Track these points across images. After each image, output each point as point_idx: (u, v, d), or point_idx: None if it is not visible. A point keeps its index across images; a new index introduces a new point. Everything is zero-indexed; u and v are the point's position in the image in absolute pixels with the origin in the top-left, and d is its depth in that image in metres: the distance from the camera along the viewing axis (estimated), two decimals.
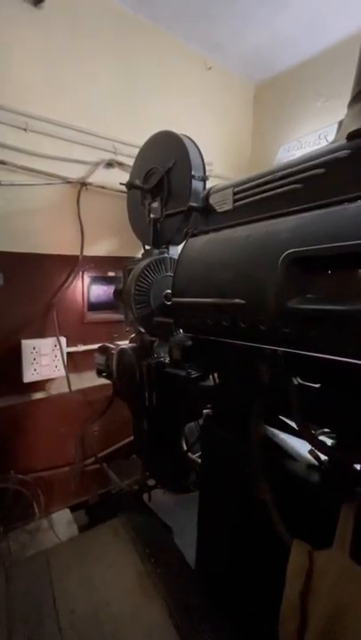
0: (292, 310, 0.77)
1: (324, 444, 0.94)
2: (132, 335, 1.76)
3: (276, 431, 1.21)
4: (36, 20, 1.74)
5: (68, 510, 2.08)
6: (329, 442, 0.98)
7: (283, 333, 0.80)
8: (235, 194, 1.10)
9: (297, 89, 2.45)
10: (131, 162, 2.03)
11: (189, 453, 1.58)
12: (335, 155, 0.86)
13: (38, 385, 1.97)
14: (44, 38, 1.77)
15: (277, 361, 0.89)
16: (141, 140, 1.90)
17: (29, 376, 1.88)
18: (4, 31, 1.65)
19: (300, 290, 0.77)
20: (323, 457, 0.96)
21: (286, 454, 1.10)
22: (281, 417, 1.19)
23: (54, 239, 1.94)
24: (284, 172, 0.98)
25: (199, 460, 1.56)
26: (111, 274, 2.18)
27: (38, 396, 1.98)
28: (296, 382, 0.91)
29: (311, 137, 2.24)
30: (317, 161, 0.92)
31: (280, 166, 1.02)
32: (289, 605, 0.87)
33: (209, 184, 1.50)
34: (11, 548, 1.69)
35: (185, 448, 1.60)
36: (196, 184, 1.50)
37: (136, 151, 1.96)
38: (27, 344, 1.87)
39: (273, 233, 0.88)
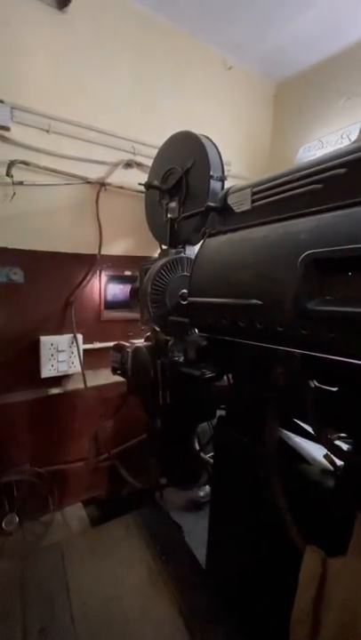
0: (310, 312, 0.76)
1: (340, 448, 0.92)
2: (148, 334, 1.78)
3: (290, 434, 1.19)
4: (61, 24, 1.78)
5: (80, 504, 2.12)
6: (345, 447, 0.96)
7: (300, 335, 0.80)
8: (253, 194, 1.10)
9: (318, 88, 2.40)
10: (149, 162, 2.05)
11: (202, 453, 1.58)
12: (358, 154, 0.85)
13: (55, 380, 2.02)
14: (68, 41, 1.81)
15: (294, 363, 0.88)
16: (160, 141, 1.91)
17: (47, 371, 1.93)
18: (31, 35, 1.70)
19: (319, 291, 0.77)
20: (338, 462, 0.94)
21: (301, 458, 1.09)
22: (295, 420, 1.18)
23: (73, 238, 1.98)
24: (305, 171, 0.97)
25: (211, 461, 1.56)
26: (128, 273, 2.21)
27: (55, 391, 2.03)
28: (313, 385, 0.89)
29: (333, 136, 2.20)
30: (339, 160, 0.90)
31: (300, 166, 1.01)
32: (301, 611, 0.86)
33: (227, 184, 1.50)
34: (26, 538, 1.74)
35: (197, 448, 1.60)
36: (215, 184, 1.50)
37: (155, 152, 1.98)
38: (45, 340, 1.92)
39: (292, 233, 0.87)
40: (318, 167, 0.94)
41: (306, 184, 0.95)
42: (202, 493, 2.00)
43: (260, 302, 0.87)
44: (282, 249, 0.86)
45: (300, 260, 0.78)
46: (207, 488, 2.02)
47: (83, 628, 1.03)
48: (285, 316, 0.81)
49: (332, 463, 0.95)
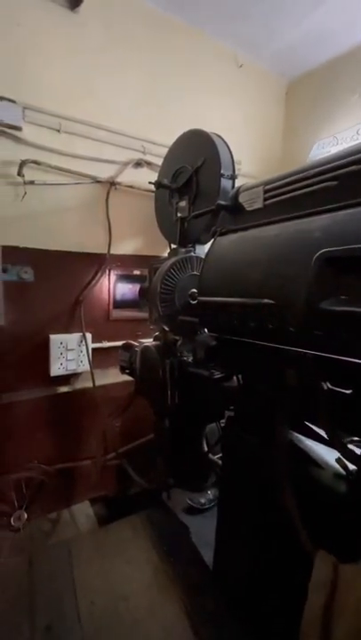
0: (324, 312, 0.74)
1: (353, 452, 0.90)
2: (156, 333, 1.78)
3: (300, 437, 1.17)
4: (72, 24, 1.79)
5: (88, 502, 2.12)
6: (358, 451, 0.93)
7: (313, 335, 0.78)
8: (265, 192, 1.08)
9: (331, 85, 2.36)
10: (159, 161, 2.05)
11: (210, 454, 1.57)
12: None
13: (64, 379, 2.03)
14: (79, 41, 1.82)
15: (306, 364, 0.86)
16: (170, 140, 1.90)
17: (56, 370, 1.94)
18: (43, 36, 1.71)
19: (333, 291, 0.74)
20: (351, 467, 0.92)
21: (312, 461, 1.07)
22: (306, 422, 1.16)
23: (83, 237, 1.99)
24: (319, 169, 0.95)
25: (220, 462, 1.54)
26: (137, 272, 2.21)
27: (63, 389, 2.04)
28: (326, 387, 0.87)
29: (348, 132, 2.15)
30: (354, 157, 0.88)
31: (314, 163, 0.99)
32: (311, 618, 0.84)
33: (237, 183, 1.48)
34: (34, 535, 1.75)
35: (206, 449, 1.59)
36: (225, 183, 1.49)
37: (165, 150, 1.97)
38: (55, 339, 1.93)
39: (305, 232, 0.85)
40: (333, 164, 0.91)
41: (320, 181, 0.93)
42: (203, 500, 1.99)
43: (271, 302, 0.86)
44: (295, 247, 0.85)
45: (314, 258, 0.76)
46: (210, 494, 2.01)
47: (89, 627, 1.03)
48: (298, 316, 0.80)
49: (345, 467, 0.93)
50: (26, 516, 1.82)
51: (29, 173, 1.73)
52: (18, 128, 1.69)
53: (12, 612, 1.26)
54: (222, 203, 1.23)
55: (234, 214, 1.21)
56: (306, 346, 0.83)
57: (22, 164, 1.69)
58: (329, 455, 1.10)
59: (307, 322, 0.78)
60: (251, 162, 2.53)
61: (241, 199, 1.18)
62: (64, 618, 1.06)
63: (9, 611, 1.27)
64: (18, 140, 1.71)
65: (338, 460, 0.95)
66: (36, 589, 1.18)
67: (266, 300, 0.87)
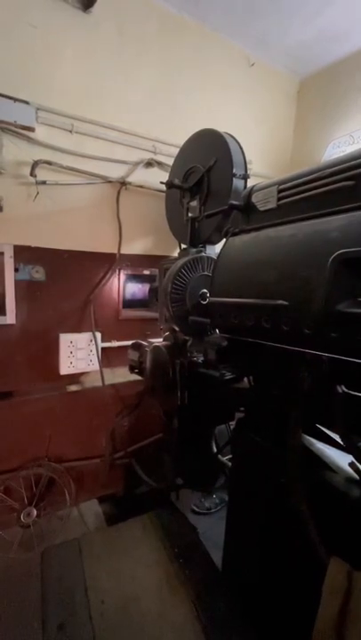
0: (341, 314, 0.73)
1: None
2: (166, 333, 1.77)
3: (312, 440, 1.15)
4: (85, 25, 1.80)
5: (96, 501, 2.14)
6: None
7: (329, 338, 0.76)
8: (279, 192, 1.06)
9: (345, 83, 2.33)
10: (169, 161, 2.04)
11: (219, 455, 1.56)
12: None
13: (73, 378, 2.04)
14: (92, 42, 1.83)
15: (321, 367, 0.85)
16: (181, 140, 1.90)
17: (65, 369, 1.96)
18: (56, 36, 1.73)
19: (350, 292, 0.73)
20: None
21: (324, 465, 1.05)
22: (318, 425, 1.14)
23: (94, 237, 2.00)
24: (335, 168, 0.94)
25: (229, 463, 1.53)
26: (146, 272, 2.21)
27: (73, 388, 2.05)
28: (340, 390, 0.86)
29: None
30: None
31: (329, 163, 0.97)
32: (324, 624, 0.83)
33: (249, 183, 1.47)
34: (43, 531, 1.77)
35: (215, 450, 1.58)
36: (237, 182, 1.48)
37: (175, 150, 1.97)
38: (64, 338, 1.94)
39: (321, 232, 0.84)
40: (350, 163, 0.90)
41: (336, 181, 0.92)
42: (208, 504, 1.98)
43: (286, 303, 0.84)
44: (311, 248, 0.83)
45: (330, 259, 0.74)
46: (215, 498, 2.00)
47: (101, 627, 1.03)
48: (314, 317, 0.78)
49: (358, 472, 0.91)
50: (35, 512, 1.84)
51: (41, 174, 1.75)
52: (31, 129, 1.70)
53: (25, 609, 1.28)
54: (235, 203, 1.21)
55: (247, 214, 1.20)
56: (321, 348, 0.81)
57: (35, 164, 1.71)
58: (341, 459, 1.08)
59: (323, 324, 0.77)
60: (262, 162, 2.51)
61: (254, 199, 1.16)
62: (76, 616, 1.07)
63: (21, 607, 1.28)
64: (31, 140, 1.73)
65: (351, 464, 0.94)
66: (47, 587, 1.19)
67: (280, 302, 0.86)
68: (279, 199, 1.07)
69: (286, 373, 0.98)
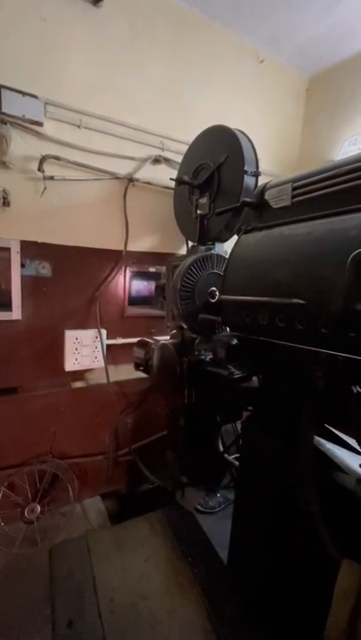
0: (359, 313, 0.72)
1: None
2: (173, 331, 1.76)
3: (322, 440, 1.15)
4: (95, 20, 1.78)
5: (99, 497, 2.13)
6: None
7: (347, 337, 0.75)
8: (294, 189, 1.05)
9: (355, 80, 2.31)
10: (177, 158, 2.03)
11: (226, 454, 1.55)
12: None
13: (78, 374, 2.04)
14: (101, 37, 1.81)
15: (336, 367, 0.84)
16: (189, 137, 1.88)
17: (70, 365, 1.95)
18: (65, 31, 1.71)
19: None
20: None
21: (335, 466, 1.05)
22: (327, 425, 1.13)
23: (100, 234, 1.99)
24: (352, 165, 0.92)
25: (235, 462, 1.53)
26: (152, 269, 2.20)
27: (78, 384, 2.05)
28: (356, 391, 0.85)
29: None
30: None
31: (346, 160, 0.96)
32: (336, 626, 0.82)
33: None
34: (46, 527, 1.77)
35: (221, 449, 1.57)
36: (248, 180, 1.46)
37: (183, 147, 1.95)
38: (70, 334, 1.94)
39: (339, 230, 0.83)
40: None
41: (354, 178, 0.90)
42: (212, 503, 1.98)
43: (302, 302, 0.83)
44: (329, 246, 0.82)
45: (350, 258, 0.73)
46: (219, 497, 1.99)
47: (110, 625, 1.03)
48: (331, 317, 0.77)
49: None
50: (39, 508, 1.84)
51: (49, 169, 1.73)
52: (39, 123, 1.69)
53: (34, 605, 1.28)
54: (247, 200, 1.20)
55: (259, 212, 1.18)
56: (338, 348, 0.80)
57: (43, 159, 1.70)
58: (351, 460, 1.08)
59: (340, 323, 0.76)
60: (269, 159, 2.48)
61: (267, 196, 1.15)
62: (85, 614, 1.06)
63: (30, 603, 1.29)
64: (39, 135, 1.71)
65: None
66: (56, 584, 1.18)
67: (296, 300, 0.85)
68: (294, 197, 1.05)
69: (299, 373, 0.97)
